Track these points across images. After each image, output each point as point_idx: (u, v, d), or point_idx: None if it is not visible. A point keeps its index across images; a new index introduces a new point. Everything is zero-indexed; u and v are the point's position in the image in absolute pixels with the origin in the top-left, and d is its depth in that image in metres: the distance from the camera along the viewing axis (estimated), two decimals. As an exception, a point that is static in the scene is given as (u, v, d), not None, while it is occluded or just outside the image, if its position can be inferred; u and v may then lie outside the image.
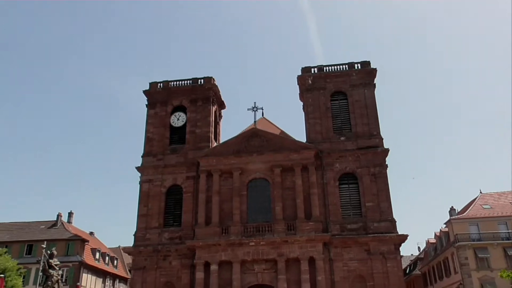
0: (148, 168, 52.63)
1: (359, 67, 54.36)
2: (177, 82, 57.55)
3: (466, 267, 49.52)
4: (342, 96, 53.78)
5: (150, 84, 57.73)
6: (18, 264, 43.85)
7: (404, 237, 45.57)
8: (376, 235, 45.34)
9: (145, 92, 57.26)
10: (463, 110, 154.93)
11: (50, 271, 21.30)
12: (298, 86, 56.87)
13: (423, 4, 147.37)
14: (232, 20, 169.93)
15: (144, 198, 51.27)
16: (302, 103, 58.76)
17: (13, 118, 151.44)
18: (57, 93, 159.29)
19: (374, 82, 53.85)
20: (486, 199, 57.32)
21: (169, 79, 57.69)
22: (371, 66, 54.15)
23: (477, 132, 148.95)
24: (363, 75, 53.81)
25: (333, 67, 54.98)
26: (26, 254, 57.01)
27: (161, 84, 57.57)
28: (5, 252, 43.08)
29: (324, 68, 55.07)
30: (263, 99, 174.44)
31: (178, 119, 55.71)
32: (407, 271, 76.47)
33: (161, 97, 56.80)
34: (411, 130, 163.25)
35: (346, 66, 54.71)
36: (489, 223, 51.34)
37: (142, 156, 54.02)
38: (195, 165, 51.65)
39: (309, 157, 49.36)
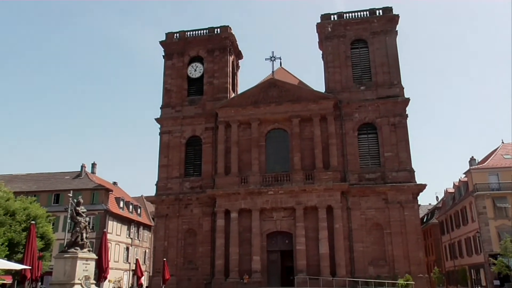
0: (167, 119, 53.13)
1: (381, 14, 52.38)
2: (194, 32, 56.70)
3: (483, 215, 49.70)
4: (362, 44, 52.34)
5: (167, 34, 57.03)
6: (46, 212, 45.76)
7: (422, 187, 45.70)
8: (394, 184, 45.57)
9: (161, 42, 56.70)
10: (486, 58, 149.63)
11: (78, 218, 22.16)
12: (317, 34, 55.39)
13: None
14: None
15: (164, 149, 52.16)
16: (321, 52, 57.51)
17: (34, 71, 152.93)
18: (76, 45, 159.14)
19: (396, 29, 52.05)
20: (508, 149, 56.44)
21: (185, 29, 56.88)
22: (393, 13, 52.13)
23: (501, 81, 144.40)
24: (384, 22, 51.95)
25: (353, 14, 53.16)
26: (53, 203, 59.48)
27: (178, 35, 56.81)
28: (34, 201, 44.85)
29: (344, 15, 53.27)
30: (281, 49, 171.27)
31: (195, 70, 55.41)
32: (424, 220, 77.30)
33: (177, 47, 56.23)
34: (432, 79, 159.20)
35: (367, 12, 52.76)
36: (509, 173, 50.83)
37: (160, 108, 54.41)
38: (213, 116, 51.87)
39: (328, 107, 48.93)
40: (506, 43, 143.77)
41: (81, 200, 23.71)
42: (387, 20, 51.94)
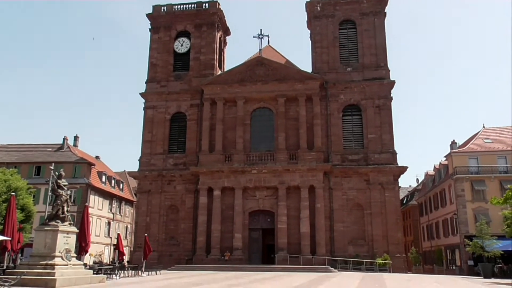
0: (152, 94, 52.54)
1: (371, -6, 52.02)
2: (182, 6, 55.69)
3: (461, 198, 50.83)
4: (351, 25, 52.16)
5: (154, 7, 55.90)
6: (27, 184, 45.23)
7: (403, 169, 46.47)
8: (376, 166, 46.22)
9: (148, 15, 55.58)
10: (471, 43, 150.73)
11: (59, 191, 21.93)
12: (306, 13, 54.93)
13: None
14: None
15: (148, 124, 51.74)
16: (309, 32, 57.12)
17: (16, 41, 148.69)
18: (61, 15, 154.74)
19: (385, 11, 51.88)
20: (488, 133, 57.41)
21: (173, 3, 55.80)
22: (383, -7, 51.84)
23: (486, 66, 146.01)
24: (374, 3, 51.75)
25: (343, -6, 52.65)
26: (34, 175, 58.65)
27: (165, 8, 55.73)
28: (15, 172, 44.25)
29: (334, -6, 52.78)
30: (269, 27, 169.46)
31: (182, 45, 54.61)
32: (404, 201, 78.78)
33: (164, 21, 55.22)
34: (416, 61, 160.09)
35: (358, -8, 52.35)
36: (488, 157, 51.86)
37: (145, 82, 53.69)
38: (199, 92, 51.45)
39: (314, 87, 48.93)
40: (490, 29, 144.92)
41: (63, 173, 23.45)
42: (376, 1, 51.75)
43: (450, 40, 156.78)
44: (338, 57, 51.07)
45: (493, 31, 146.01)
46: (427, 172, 68.09)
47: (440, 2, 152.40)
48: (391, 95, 49.00)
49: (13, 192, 34.09)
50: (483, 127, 59.05)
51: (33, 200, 46.40)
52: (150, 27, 55.60)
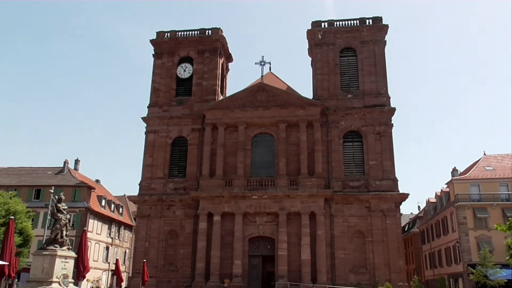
0: (154, 118, 52.79)
1: (371, 23, 53.04)
2: (185, 33, 56.58)
3: (464, 226, 50.40)
4: (351, 53, 52.85)
5: (157, 33, 56.80)
6: (27, 207, 44.98)
7: (405, 196, 46.19)
8: (377, 193, 45.96)
9: (152, 41, 56.42)
10: (471, 71, 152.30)
11: (59, 214, 21.77)
12: (307, 40, 55.79)
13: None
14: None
15: (149, 149, 51.78)
16: (310, 59, 57.87)
17: (21, 65, 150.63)
18: (64, 41, 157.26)
19: (385, 39, 52.68)
20: (490, 160, 57.42)
21: (176, 29, 56.75)
22: (383, 23, 52.78)
23: (486, 93, 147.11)
24: (374, 31, 52.57)
25: (344, 22, 53.68)
26: (34, 198, 58.40)
27: (168, 34, 56.63)
28: (15, 196, 44.09)
29: (335, 23, 53.78)
30: (271, 54, 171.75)
31: (184, 71, 55.24)
32: (406, 229, 78.08)
33: (168, 47, 56.02)
34: (416, 88, 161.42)
35: (357, 21, 53.36)
36: (490, 185, 51.70)
37: (148, 107, 54.06)
38: (200, 117, 51.71)
39: (315, 113, 49.19)
40: (490, 57, 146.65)
41: (63, 197, 23.32)
42: (376, 30, 52.56)
43: (451, 67, 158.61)
44: (339, 84, 51.53)
45: (494, 56, 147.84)
46: (428, 199, 67.74)
47: (439, 30, 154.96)
48: (392, 122, 49.20)
49: (12, 215, 33.94)
50: (484, 154, 59.10)
51: (31, 224, 46.10)
52: (153, 53, 56.36)
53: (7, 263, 23.70)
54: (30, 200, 56.96)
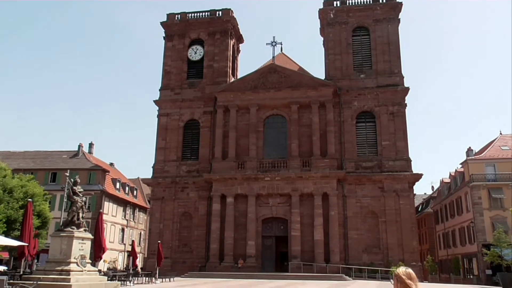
0: (166, 101, 52.91)
1: (384, 1, 51.95)
2: (195, 14, 56.19)
3: (478, 206, 49.95)
4: (364, 32, 52.00)
5: (168, 15, 56.48)
6: (44, 190, 45.76)
7: (418, 176, 45.91)
8: (390, 173, 45.74)
9: (162, 23, 56.17)
10: (486, 51, 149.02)
11: (75, 197, 22.09)
12: (319, 20, 54.97)
13: None
14: None
15: (162, 132, 52.05)
16: (322, 39, 57.11)
17: (34, 49, 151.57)
18: (76, 24, 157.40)
19: (399, 17, 51.64)
20: (506, 140, 56.47)
21: (187, 11, 56.34)
22: (397, 0, 51.65)
23: (503, 72, 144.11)
24: (387, 9, 51.54)
25: (356, 0, 52.71)
26: (50, 182, 59.44)
27: (179, 16, 56.28)
28: (32, 179, 44.86)
29: (347, 1, 52.84)
30: (282, 34, 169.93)
31: (195, 53, 55.01)
32: (419, 209, 77.76)
33: (178, 29, 55.74)
34: (430, 67, 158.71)
35: (371, -1, 52.28)
36: (506, 164, 50.93)
37: (159, 90, 54.16)
38: (212, 100, 51.66)
39: (327, 94, 48.78)
40: (507, 36, 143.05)
41: (78, 180, 23.63)
42: (390, 8, 51.53)
43: (467, 46, 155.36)
44: (351, 64, 50.88)
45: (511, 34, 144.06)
46: (442, 180, 67.18)
47: (455, 7, 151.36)
48: (405, 102, 48.59)
49: (30, 198, 34.56)
50: (500, 133, 58.13)
51: (48, 207, 46.90)
52: (164, 35, 56.17)
53: (27, 244, 24.31)
54: (47, 183, 57.92)
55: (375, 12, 51.59)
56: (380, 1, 52.05)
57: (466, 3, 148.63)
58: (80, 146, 66.11)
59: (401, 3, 51.36)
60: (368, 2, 52.28)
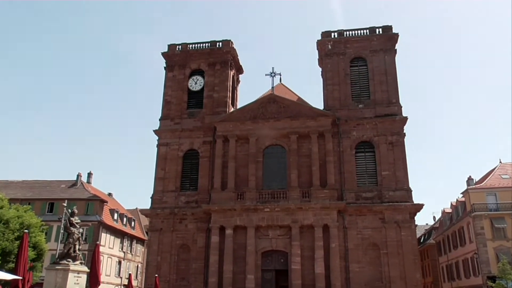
0: (166, 131, 52.94)
1: (381, 32, 52.80)
2: (196, 45, 56.98)
3: (481, 236, 49.31)
4: (361, 62, 52.62)
5: (169, 46, 57.28)
6: (41, 221, 45.14)
7: (419, 207, 45.42)
8: (391, 204, 45.25)
9: (163, 54, 56.89)
10: (486, 78, 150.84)
11: (72, 228, 21.79)
12: (317, 51, 55.74)
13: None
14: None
15: (161, 161, 51.82)
16: (321, 69, 57.76)
17: (34, 79, 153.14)
18: (77, 53, 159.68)
19: (395, 48, 52.42)
20: (506, 168, 56.35)
21: (187, 42, 57.21)
22: (393, 31, 52.58)
23: (501, 99, 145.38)
24: (384, 40, 52.34)
25: (353, 32, 53.55)
26: (47, 212, 58.80)
27: (180, 47, 57.07)
28: (29, 209, 44.31)
29: (345, 32, 53.67)
30: (281, 65, 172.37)
31: (196, 83, 55.49)
32: (422, 240, 76.74)
33: (179, 59, 56.39)
34: (429, 97, 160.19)
35: (367, 31, 53.18)
36: (507, 193, 50.63)
37: (159, 120, 54.30)
38: (212, 129, 51.71)
39: (326, 124, 48.87)
40: (506, 64, 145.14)
41: (76, 211, 23.34)
42: (386, 39, 52.34)
43: (464, 74, 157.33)
44: (349, 94, 51.23)
45: (508, 63, 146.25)
46: (444, 210, 66.66)
47: (450, 38, 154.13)
48: (404, 131, 48.64)
49: (26, 229, 34.01)
50: (500, 162, 58.06)
51: (45, 238, 46.17)
52: (165, 65, 56.81)
53: (21, 278, 23.67)
54: (44, 213, 57.34)
55: (372, 43, 52.37)
56: (377, 32, 52.95)
57: (463, 32, 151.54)
58: (78, 175, 65.83)
59: (397, 34, 52.23)
60: (365, 34, 53.13)
